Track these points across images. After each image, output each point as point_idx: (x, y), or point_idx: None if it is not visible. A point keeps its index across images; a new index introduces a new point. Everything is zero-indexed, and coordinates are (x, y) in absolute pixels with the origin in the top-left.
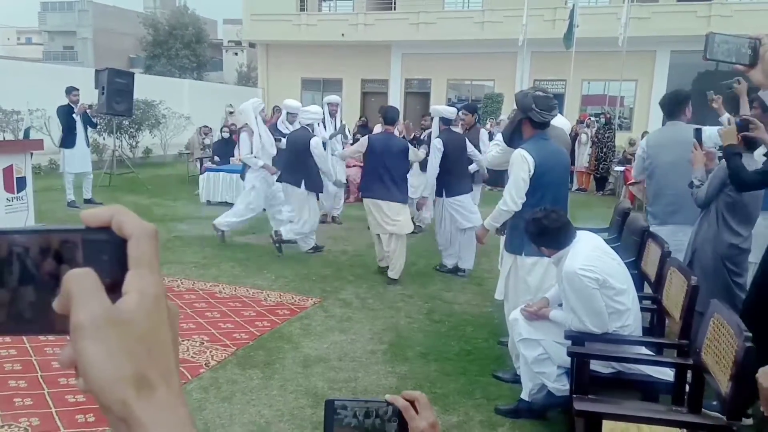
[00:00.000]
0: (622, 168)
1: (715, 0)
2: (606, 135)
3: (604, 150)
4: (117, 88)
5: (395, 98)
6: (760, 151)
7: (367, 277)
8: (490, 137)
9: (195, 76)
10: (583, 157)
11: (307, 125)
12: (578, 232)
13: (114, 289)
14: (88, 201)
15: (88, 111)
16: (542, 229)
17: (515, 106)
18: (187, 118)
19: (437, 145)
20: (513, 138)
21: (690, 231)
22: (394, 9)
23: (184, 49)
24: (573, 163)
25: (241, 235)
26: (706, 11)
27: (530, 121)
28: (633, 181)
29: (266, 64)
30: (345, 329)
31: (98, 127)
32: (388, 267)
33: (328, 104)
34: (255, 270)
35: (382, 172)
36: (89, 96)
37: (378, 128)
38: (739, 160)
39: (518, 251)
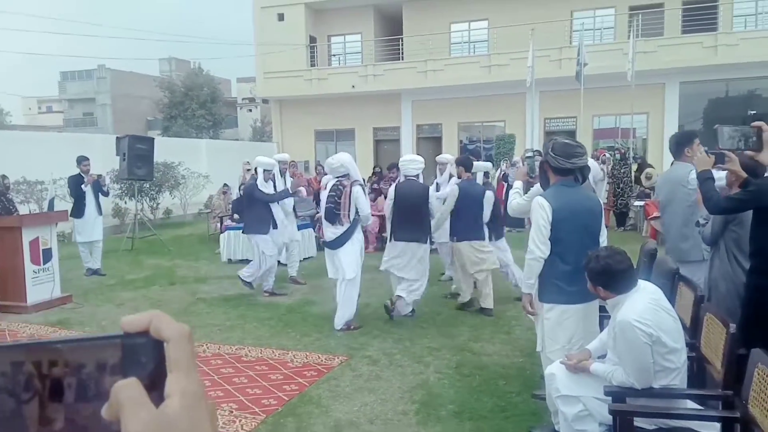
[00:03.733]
0: (641, 202)
1: (720, 30)
2: (622, 170)
3: (621, 185)
4: (138, 153)
5: (407, 144)
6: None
7: (392, 331)
8: (505, 178)
9: (211, 134)
10: (601, 193)
11: (414, 176)
12: (639, 281)
13: (153, 388)
14: (94, 272)
15: (99, 180)
16: (604, 269)
17: (527, 147)
18: (206, 176)
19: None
20: (543, 183)
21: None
22: (402, 59)
23: (199, 109)
24: None
25: (264, 293)
26: (712, 41)
27: (549, 166)
28: (655, 215)
29: (280, 118)
30: (374, 389)
31: (119, 191)
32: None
33: (279, 162)
34: (280, 329)
35: (477, 213)
36: (111, 161)
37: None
38: (712, 184)
39: (549, 300)
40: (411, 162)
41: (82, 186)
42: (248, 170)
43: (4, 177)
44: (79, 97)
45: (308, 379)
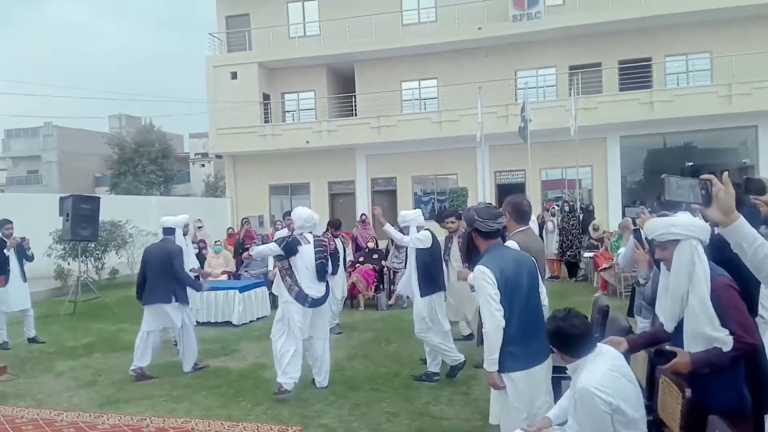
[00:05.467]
0: (591, 254)
1: (654, 87)
2: (571, 222)
3: (570, 237)
4: (82, 213)
5: (362, 198)
6: None
7: (348, 396)
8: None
9: (162, 190)
10: (552, 244)
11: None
12: (599, 345)
13: None
14: (32, 340)
15: (23, 243)
16: (557, 332)
17: (480, 201)
18: (155, 235)
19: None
20: (469, 253)
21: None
22: (356, 115)
23: (150, 165)
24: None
25: (214, 357)
26: (648, 98)
27: (479, 232)
28: (604, 266)
29: (233, 174)
30: None
31: (62, 252)
32: None
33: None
34: (230, 398)
35: None
36: (54, 221)
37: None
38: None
39: (506, 368)
40: (415, 218)
41: (5, 251)
42: (199, 228)
43: None
44: (23, 155)
45: None
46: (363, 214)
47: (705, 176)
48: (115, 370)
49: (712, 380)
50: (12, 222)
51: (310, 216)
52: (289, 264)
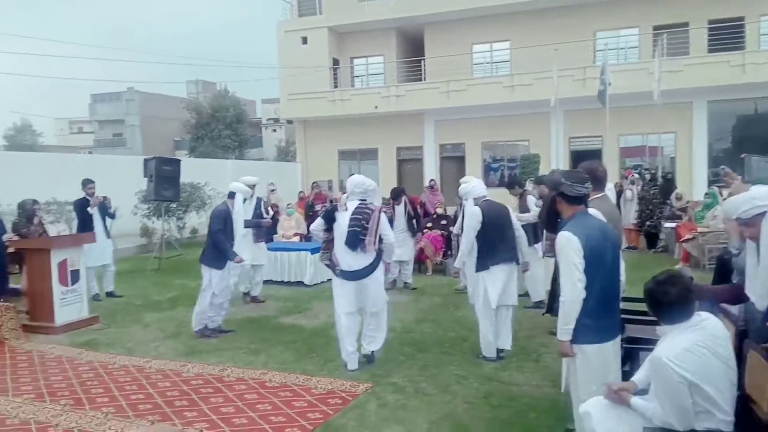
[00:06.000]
0: (672, 224)
1: (747, 49)
2: (651, 191)
3: (650, 206)
4: (164, 175)
5: (431, 164)
6: None
7: (418, 357)
8: None
9: (237, 154)
10: (630, 213)
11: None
12: (702, 316)
13: None
14: (110, 294)
15: (105, 202)
16: (650, 295)
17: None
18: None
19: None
20: (550, 221)
21: None
22: (425, 79)
23: (225, 130)
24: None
25: (288, 315)
26: (740, 60)
27: (564, 196)
28: (687, 237)
29: (304, 139)
30: (400, 419)
31: (146, 211)
32: None
33: (250, 186)
34: (304, 353)
35: None
36: (139, 182)
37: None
38: None
39: (580, 340)
40: (480, 184)
41: (88, 209)
42: (272, 191)
43: (34, 201)
44: (108, 119)
45: (333, 407)
46: (432, 180)
47: None
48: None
49: None
50: (94, 181)
51: (360, 182)
52: (332, 236)
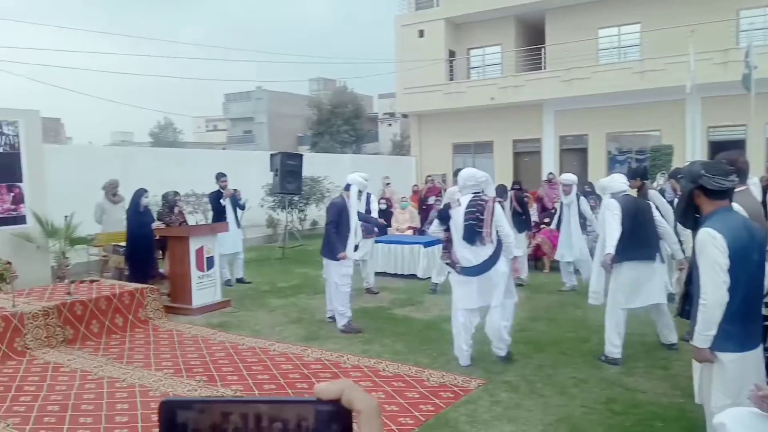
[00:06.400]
0: None
1: None
2: None
3: None
4: (288, 169)
5: (549, 156)
6: None
7: (532, 356)
8: (662, 193)
9: (354, 149)
10: None
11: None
12: None
13: None
14: (239, 280)
15: (236, 194)
16: None
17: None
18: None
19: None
20: (687, 215)
21: None
22: (544, 68)
23: (344, 125)
24: (766, 217)
25: (401, 307)
26: None
27: (704, 190)
28: None
29: (418, 132)
30: (513, 418)
31: (272, 204)
32: None
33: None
34: (416, 346)
35: None
36: (266, 176)
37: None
38: None
39: (716, 348)
40: (619, 179)
41: (221, 201)
42: (387, 184)
43: (175, 193)
44: (239, 117)
45: (444, 400)
46: (550, 173)
47: None
48: (317, 310)
49: None
50: (226, 175)
51: (471, 175)
52: (450, 232)
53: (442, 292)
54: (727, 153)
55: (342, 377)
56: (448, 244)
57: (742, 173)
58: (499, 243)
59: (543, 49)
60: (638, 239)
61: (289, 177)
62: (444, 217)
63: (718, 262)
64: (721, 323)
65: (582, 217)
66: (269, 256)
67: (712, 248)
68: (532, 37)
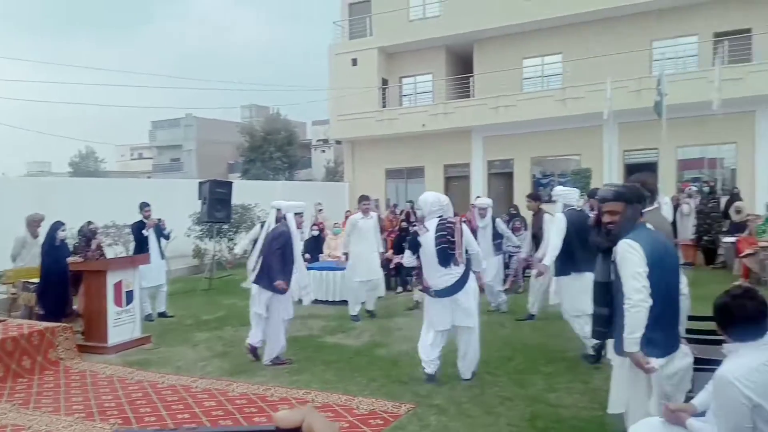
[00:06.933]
0: (732, 239)
1: None
2: (709, 204)
3: (708, 221)
4: (217, 197)
5: (478, 181)
6: None
7: (460, 378)
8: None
9: (287, 175)
10: (688, 228)
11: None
12: None
13: None
14: (162, 315)
15: (160, 224)
16: (725, 308)
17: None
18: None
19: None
20: (602, 232)
21: None
22: (473, 96)
23: (277, 152)
24: (675, 235)
25: (332, 334)
26: None
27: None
28: (747, 252)
29: (352, 159)
30: None
31: (199, 233)
32: None
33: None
34: (347, 374)
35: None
36: (193, 205)
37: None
38: None
39: (621, 352)
40: (571, 192)
41: (144, 231)
42: (320, 210)
43: (89, 223)
44: (167, 144)
45: (374, 428)
46: (478, 197)
47: None
48: (244, 342)
49: None
50: (150, 204)
51: (436, 200)
52: (419, 258)
53: (368, 319)
54: (639, 175)
55: (269, 411)
56: (418, 270)
57: (653, 194)
58: (468, 261)
59: (471, 78)
60: (583, 251)
61: (217, 205)
62: (415, 246)
63: (638, 269)
64: (647, 331)
65: (499, 237)
66: (195, 287)
67: (631, 257)
68: (461, 66)
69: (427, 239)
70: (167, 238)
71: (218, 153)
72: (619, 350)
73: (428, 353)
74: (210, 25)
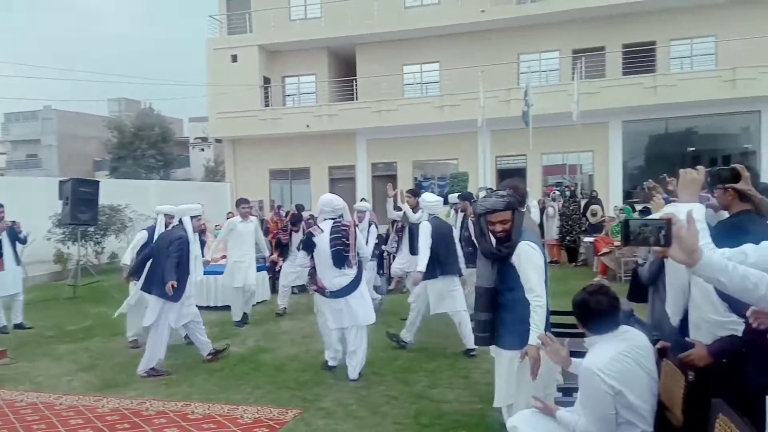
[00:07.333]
0: (591, 238)
1: (658, 72)
2: (571, 207)
3: (570, 222)
4: (81, 197)
5: (363, 182)
6: None
7: (347, 379)
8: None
9: (162, 174)
10: (552, 229)
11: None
12: (626, 328)
13: None
14: (18, 326)
15: (14, 226)
16: (583, 304)
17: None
18: (155, 219)
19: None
20: (485, 236)
21: None
22: (356, 99)
23: (150, 149)
24: (543, 235)
25: (215, 341)
26: (652, 82)
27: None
28: (604, 251)
29: (233, 158)
30: None
31: (61, 236)
32: None
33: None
34: (230, 382)
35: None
36: (54, 205)
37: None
38: None
39: (513, 346)
40: (436, 202)
41: None
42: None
43: None
44: (22, 139)
45: None
46: (362, 199)
47: (667, 214)
48: (114, 354)
49: (715, 363)
50: (3, 205)
51: (329, 201)
52: (313, 259)
53: (254, 324)
54: (510, 180)
55: (145, 426)
56: (312, 270)
57: (523, 198)
58: (360, 263)
59: (354, 81)
60: (447, 256)
61: (81, 206)
62: (309, 246)
63: (542, 266)
64: (527, 324)
65: (378, 240)
66: (57, 295)
67: (536, 254)
68: (345, 68)
69: (322, 240)
70: (23, 242)
71: (83, 149)
72: (508, 346)
73: (333, 345)
74: (78, 14)
